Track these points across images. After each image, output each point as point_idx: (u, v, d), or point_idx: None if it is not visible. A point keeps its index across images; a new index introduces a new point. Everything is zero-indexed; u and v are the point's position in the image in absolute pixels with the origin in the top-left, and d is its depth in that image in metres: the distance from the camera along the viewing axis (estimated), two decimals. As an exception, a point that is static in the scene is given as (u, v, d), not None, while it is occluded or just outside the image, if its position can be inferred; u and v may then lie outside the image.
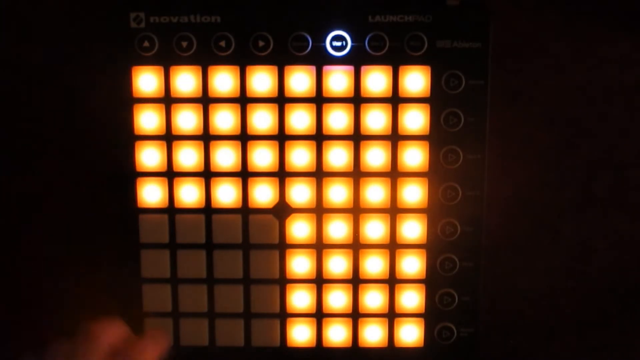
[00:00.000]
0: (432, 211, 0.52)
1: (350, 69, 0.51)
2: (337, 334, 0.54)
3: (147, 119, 0.52)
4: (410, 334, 0.54)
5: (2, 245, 0.55)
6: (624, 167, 0.54)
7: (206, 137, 0.52)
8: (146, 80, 0.51)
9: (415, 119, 0.51)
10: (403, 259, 0.53)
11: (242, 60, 0.51)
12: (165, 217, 0.53)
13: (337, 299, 0.54)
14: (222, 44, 0.50)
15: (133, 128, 0.52)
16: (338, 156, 0.52)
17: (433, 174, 0.52)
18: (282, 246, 0.53)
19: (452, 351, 0.54)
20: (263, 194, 0.53)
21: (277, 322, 0.54)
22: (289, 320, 0.54)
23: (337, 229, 0.53)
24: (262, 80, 0.51)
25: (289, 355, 0.55)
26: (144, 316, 0.54)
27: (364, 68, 0.51)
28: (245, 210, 0.53)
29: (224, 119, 0.52)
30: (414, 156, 0.52)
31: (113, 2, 0.51)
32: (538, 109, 0.53)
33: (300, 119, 0.51)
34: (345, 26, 0.50)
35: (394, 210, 0.52)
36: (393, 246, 0.53)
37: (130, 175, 0.52)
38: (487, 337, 0.55)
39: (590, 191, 0.54)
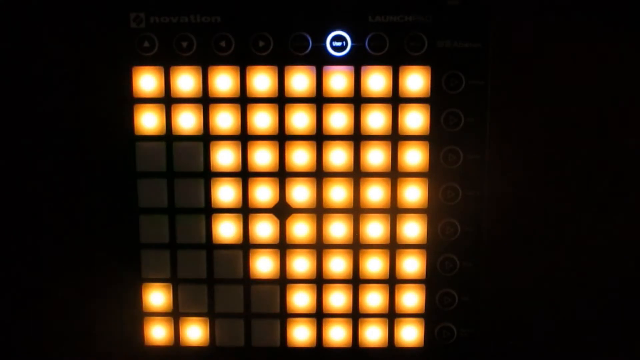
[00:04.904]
0: (432, 211, 0.52)
1: (350, 69, 0.51)
2: (337, 334, 0.54)
3: (147, 119, 0.52)
4: (410, 334, 0.54)
5: (1, 245, 0.55)
6: (623, 167, 0.54)
7: (206, 138, 0.52)
8: (146, 80, 0.51)
9: (415, 119, 0.51)
10: (403, 259, 0.53)
11: (242, 60, 0.51)
12: (165, 217, 0.53)
13: (337, 299, 0.54)
14: (222, 44, 0.50)
15: (133, 128, 0.52)
16: (338, 156, 0.52)
17: (433, 174, 0.52)
18: (282, 246, 0.53)
19: (452, 351, 0.54)
20: (263, 194, 0.53)
21: (277, 322, 0.54)
22: (289, 320, 0.54)
23: (337, 229, 0.53)
24: (262, 80, 0.51)
25: (289, 355, 0.55)
26: (143, 316, 0.54)
27: (364, 68, 0.51)
28: (245, 210, 0.53)
29: (224, 119, 0.52)
30: (414, 156, 0.52)
31: (113, 2, 0.51)
32: (538, 109, 0.53)
33: (300, 119, 0.51)
34: (345, 26, 0.50)
35: (394, 210, 0.53)
36: (393, 246, 0.53)
37: (130, 175, 0.52)
38: (487, 337, 0.55)
39: (590, 191, 0.54)
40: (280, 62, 0.51)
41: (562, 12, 0.52)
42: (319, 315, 0.54)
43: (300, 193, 0.52)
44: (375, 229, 0.53)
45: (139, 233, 0.53)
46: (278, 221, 0.53)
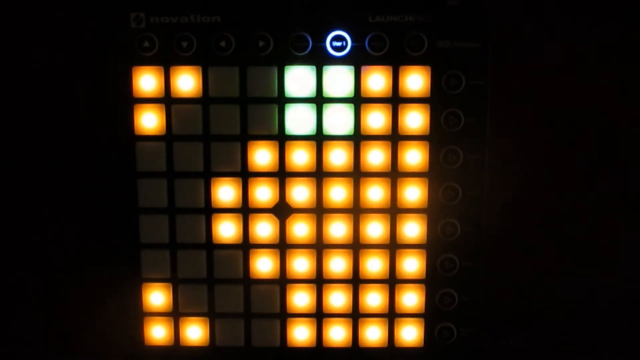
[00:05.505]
0: (432, 211, 0.52)
1: (350, 69, 0.51)
2: (337, 334, 0.54)
3: (147, 119, 0.52)
4: (410, 334, 0.54)
5: (1, 245, 0.55)
6: (624, 167, 0.54)
7: (206, 137, 0.52)
8: (146, 80, 0.51)
9: (415, 119, 0.51)
10: (403, 259, 0.53)
11: (242, 60, 0.51)
12: (165, 217, 0.53)
13: (337, 299, 0.54)
14: (222, 44, 0.50)
15: (133, 128, 0.52)
16: (338, 156, 0.52)
17: (433, 174, 0.52)
18: (282, 246, 0.53)
19: (452, 351, 0.54)
20: (263, 194, 0.53)
21: (277, 322, 0.54)
22: (289, 320, 0.54)
23: (337, 229, 0.53)
24: (262, 80, 0.51)
25: (289, 355, 0.55)
26: (143, 316, 0.54)
27: (364, 68, 0.51)
28: (245, 210, 0.53)
29: (224, 119, 0.51)
30: (414, 156, 0.52)
31: (113, 2, 0.51)
32: (538, 109, 0.53)
33: (300, 119, 0.51)
34: (345, 26, 0.50)
35: (394, 210, 0.52)
36: (393, 246, 0.53)
37: (130, 175, 0.52)
38: (487, 337, 0.55)
39: (590, 191, 0.54)
40: (280, 62, 0.51)
41: (562, 12, 0.52)
42: (319, 315, 0.54)
43: (300, 193, 0.52)
44: (375, 229, 0.53)
45: (139, 233, 0.53)
46: (278, 221, 0.53)
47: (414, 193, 0.52)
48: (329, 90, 0.51)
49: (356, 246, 0.53)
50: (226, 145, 0.52)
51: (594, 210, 0.54)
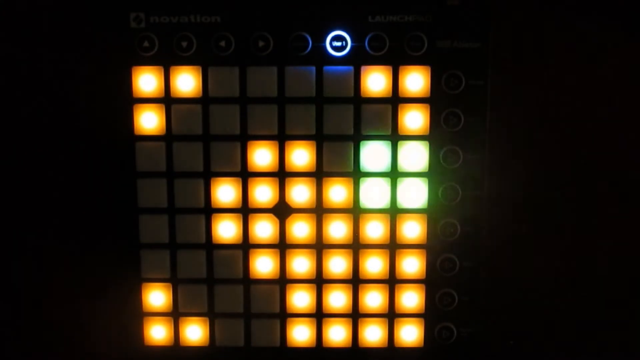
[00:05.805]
0: (432, 211, 0.52)
1: (350, 69, 0.51)
2: (337, 334, 0.54)
3: (147, 119, 0.52)
4: (410, 334, 0.54)
5: (1, 245, 0.55)
6: (624, 166, 0.54)
7: (206, 137, 0.52)
8: (146, 80, 0.51)
9: (415, 119, 0.51)
10: (403, 259, 0.53)
11: (242, 60, 0.51)
12: (165, 217, 0.53)
13: (337, 299, 0.54)
14: (222, 44, 0.50)
15: (133, 128, 0.52)
16: (338, 156, 0.52)
17: (433, 174, 0.52)
18: (282, 246, 0.53)
19: (452, 351, 0.54)
20: (263, 194, 0.53)
21: (277, 322, 0.54)
22: (289, 320, 0.54)
23: (337, 229, 0.53)
24: (261, 80, 0.51)
25: (289, 355, 0.55)
26: (143, 316, 0.54)
27: (364, 68, 0.51)
28: (245, 210, 0.53)
29: (224, 119, 0.51)
30: (414, 156, 0.52)
31: (113, 2, 0.51)
32: (538, 108, 0.53)
33: (299, 119, 0.51)
34: (345, 26, 0.50)
35: (394, 211, 0.52)
36: (393, 246, 0.53)
37: (130, 175, 0.52)
38: (487, 337, 0.55)
39: (591, 191, 0.54)
40: (280, 62, 0.51)
41: (562, 11, 0.52)
42: (319, 315, 0.54)
43: (300, 193, 0.52)
44: (375, 229, 0.53)
45: (139, 233, 0.53)
46: (278, 221, 0.53)
47: (414, 193, 0.52)
48: (328, 90, 0.51)
49: (356, 246, 0.53)
50: (226, 145, 0.52)
51: (594, 210, 0.54)
